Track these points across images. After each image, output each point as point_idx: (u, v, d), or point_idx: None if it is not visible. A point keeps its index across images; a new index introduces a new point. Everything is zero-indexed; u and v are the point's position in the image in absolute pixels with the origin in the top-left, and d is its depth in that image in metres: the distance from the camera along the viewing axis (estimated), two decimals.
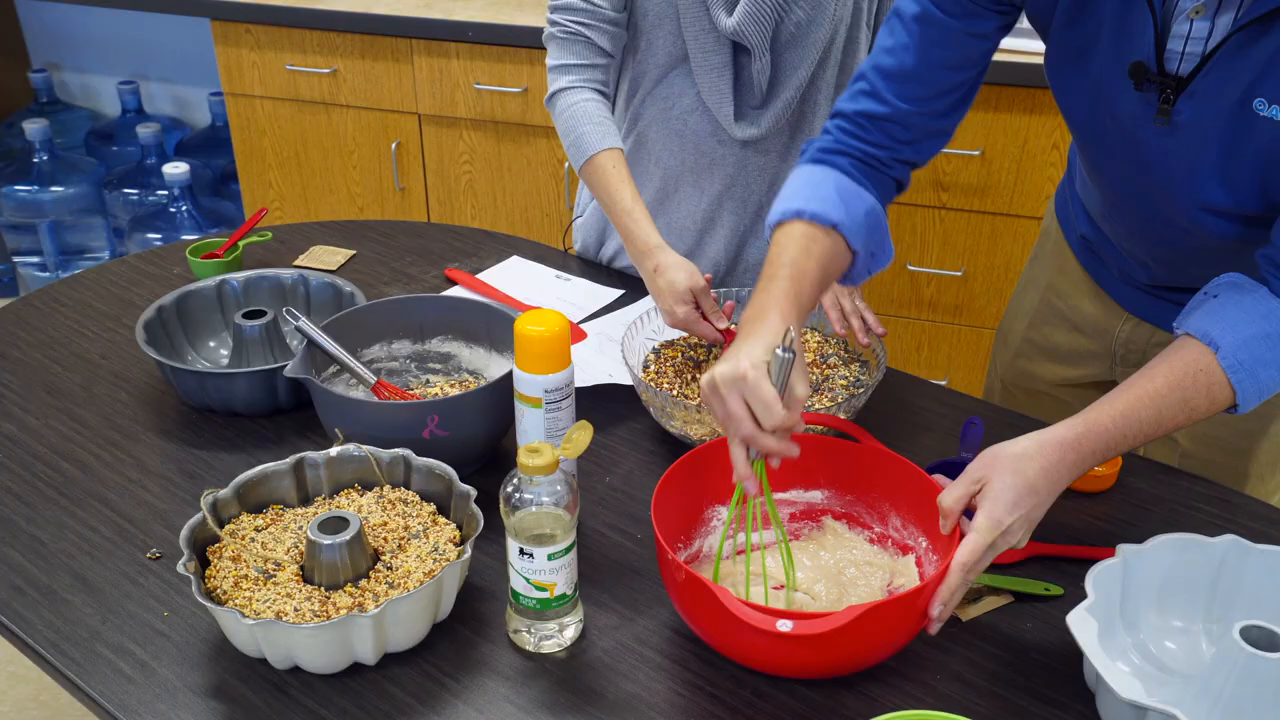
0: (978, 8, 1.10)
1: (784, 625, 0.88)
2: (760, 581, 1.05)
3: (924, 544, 1.06)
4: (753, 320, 1.02)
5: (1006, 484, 0.96)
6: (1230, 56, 0.97)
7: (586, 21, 1.44)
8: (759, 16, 1.38)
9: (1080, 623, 0.92)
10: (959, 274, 2.40)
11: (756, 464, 0.98)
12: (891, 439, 1.10)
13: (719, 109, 1.46)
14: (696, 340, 1.38)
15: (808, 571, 1.08)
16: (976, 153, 2.27)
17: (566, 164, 2.54)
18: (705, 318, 1.32)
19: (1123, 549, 1.00)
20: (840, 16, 1.42)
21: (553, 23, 1.47)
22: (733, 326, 1.32)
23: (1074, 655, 0.97)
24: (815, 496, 1.13)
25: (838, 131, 1.17)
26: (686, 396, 1.28)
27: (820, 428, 1.18)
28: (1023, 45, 2.12)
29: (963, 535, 0.96)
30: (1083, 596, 0.96)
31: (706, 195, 1.55)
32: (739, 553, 1.09)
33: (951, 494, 0.98)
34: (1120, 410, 0.99)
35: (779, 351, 0.95)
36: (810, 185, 1.13)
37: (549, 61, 1.49)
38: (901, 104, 1.14)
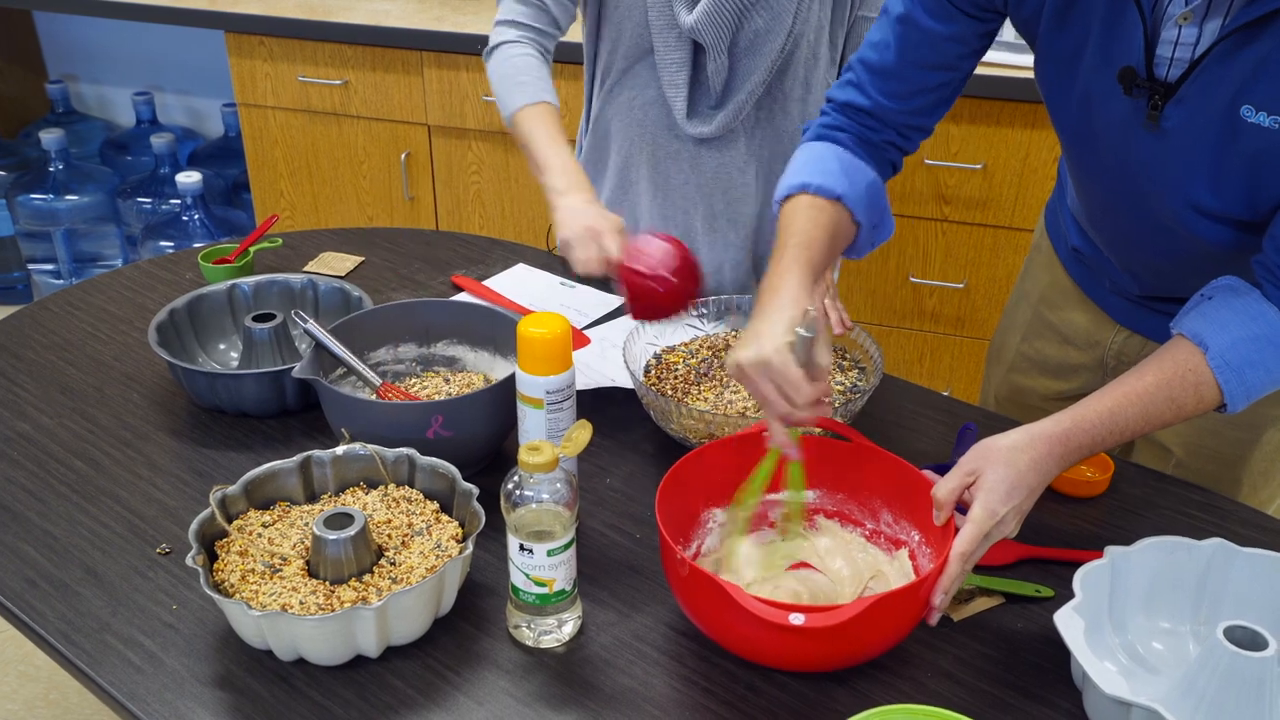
0: (958, 12, 1.13)
1: (796, 619, 0.90)
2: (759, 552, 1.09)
3: (916, 538, 1.08)
4: (770, 294, 1.06)
5: (1000, 475, 0.98)
6: (1218, 63, 0.99)
7: None
8: (716, 18, 1.42)
9: (1067, 621, 0.94)
10: (961, 286, 2.42)
11: (793, 432, 1.04)
12: (887, 444, 1.12)
13: (674, 103, 1.51)
14: (698, 346, 1.40)
15: (825, 550, 1.11)
16: (978, 166, 2.29)
17: None
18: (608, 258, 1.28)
19: (1111, 551, 1.02)
20: (800, 31, 1.46)
21: None
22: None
23: (1063, 655, 0.98)
24: (808, 496, 1.15)
25: (833, 113, 1.23)
26: (687, 401, 1.30)
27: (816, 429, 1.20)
28: (1023, 60, 2.15)
29: (956, 528, 0.98)
30: (1072, 598, 0.98)
31: (661, 190, 1.59)
32: (750, 531, 1.12)
33: (945, 486, 1.01)
34: (1108, 407, 1.02)
35: (801, 332, 1.00)
36: (814, 160, 1.19)
37: (498, 17, 1.50)
38: (881, 99, 1.19)
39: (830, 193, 1.14)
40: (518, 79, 1.45)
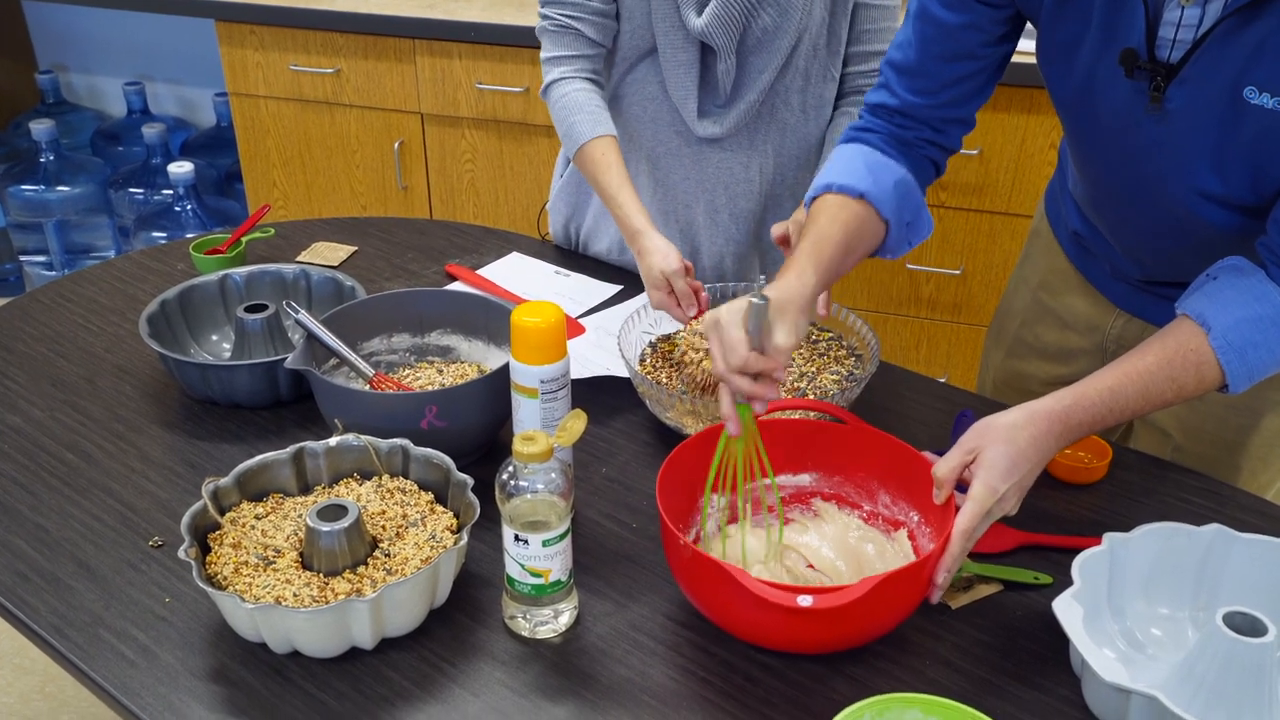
0: (971, 0, 1.12)
1: (804, 600, 0.90)
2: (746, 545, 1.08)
3: (915, 518, 1.08)
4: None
5: (1000, 453, 0.98)
6: (1219, 44, 0.98)
7: (575, 15, 1.47)
8: (726, 20, 1.41)
9: (1066, 608, 0.93)
10: (957, 273, 2.42)
11: (741, 408, 1.03)
12: (883, 429, 1.11)
13: (683, 105, 1.50)
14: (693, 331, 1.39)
15: (826, 552, 1.10)
16: (975, 152, 2.28)
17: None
18: (679, 303, 1.36)
19: (1109, 537, 1.02)
20: (806, 25, 1.45)
21: (544, 16, 1.50)
22: (705, 299, 1.37)
23: (1061, 642, 0.98)
24: (804, 480, 1.15)
25: (866, 116, 1.24)
26: (682, 389, 1.29)
27: (812, 413, 1.19)
28: (1021, 45, 2.14)
29: (956, 506, 0.98)
30: (1071, 585, 0.97)
31: (662, 186, 1.58)
32: (730, 521, 1.11)
33: (946, 464, 1.01)
34: (1109, 385, 1.01)
35: (752, 299, 1.00)
36: (841, 161, 1.20)
37: (542, 55, 1.53)
38: (910, 97, 1.19)
39: (853, 190, 1.15)
40: (571, 118, 1.48)
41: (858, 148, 1.21)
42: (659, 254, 1.37)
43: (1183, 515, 1.16)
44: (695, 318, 1.35)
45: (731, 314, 1.02)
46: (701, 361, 1.27)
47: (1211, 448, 1.34)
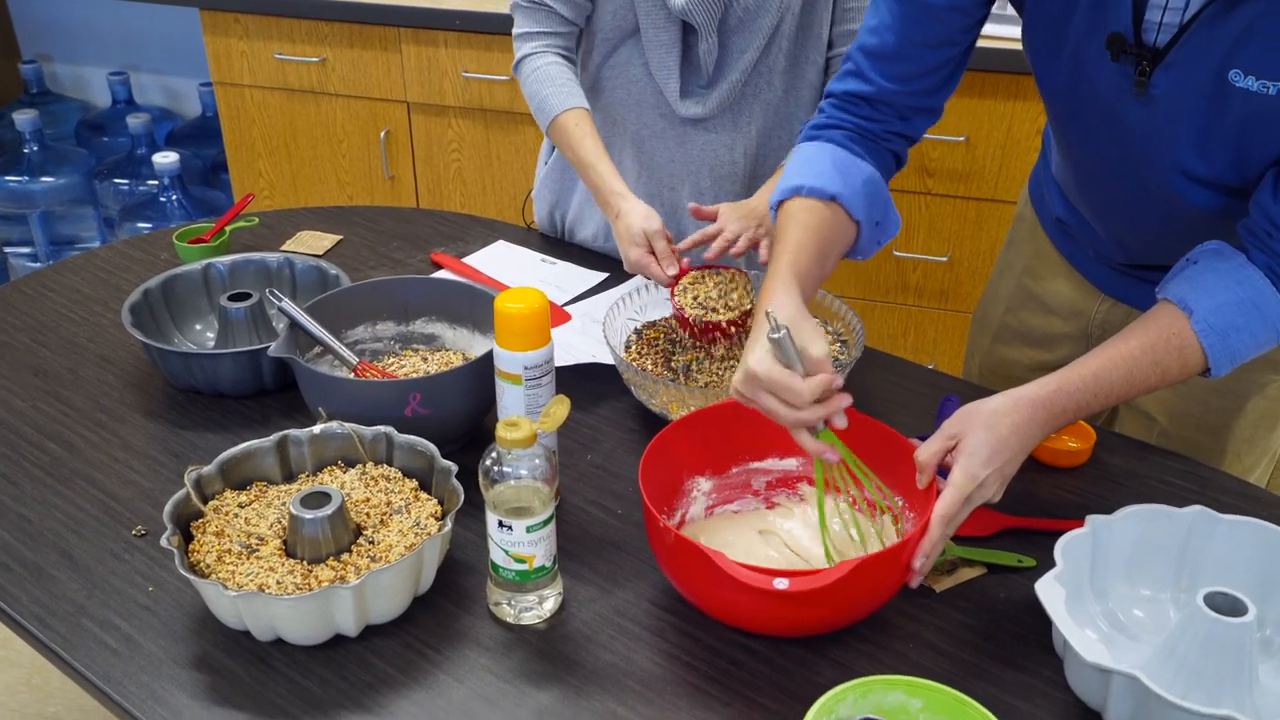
0: None
1: (780, 584, 0.90)
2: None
3: (900, 502, 1.08)
4: (759, 308, 1.04)
5: (981, 440, 0.98)
6: (1206, 27, 0.98)
7: None
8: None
9: (1048, 590, 0.94)
10: (944, 259, 2.42)
11: (823, 434, 1.00)
12: (871, 416, 1.11)
13: (665, 85, 1.50)
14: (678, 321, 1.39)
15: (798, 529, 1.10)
16: (961, 139, 2.28)
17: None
18: (658, 262, 1.35)
19: (1092, 519, 1.02)
20: (788, 4, 1.45)
21: None
22: (685, 263, 1.36)
23: (1045, 624, 0.98)
24: (790, 464, 1.15)
25: (830, 109, 1.20)
26: (668, 376, 1.29)
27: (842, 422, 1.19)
28: (1007, 32, 2.14)
29: (939, 491, 0.98)
30: (1054, 567, 0.97)
31: (647, 169, 1.58)
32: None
33: (928, 449, 1.01)
34: (1093, 371, 1.01)
35: (770, 335, 0.97)
36: (807, 162, 1.16)
37: (514, 31, 1.53)
38: (886, 83, 1.16)
39: (824, 193, 1.12)
40: (543, 91, 1.48)
41: (822, 146, 1.17)
42: (640, 214, 1.37)
43: (1166, 498, 1.17)
44: (677, 279, 1.34)
45: (762, 363, 0.97)
46: (706, 315, 1.28)
47: (1196, 431, 1.34)
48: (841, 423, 1.00)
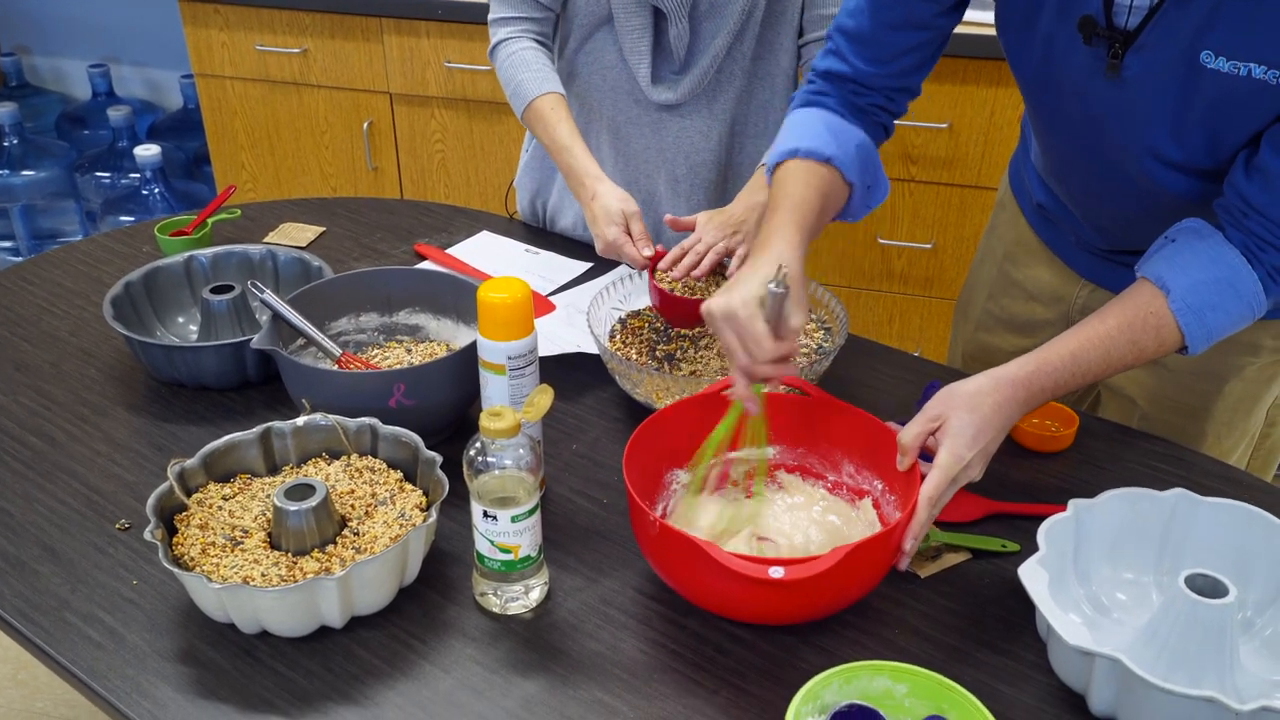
0: None
1: (776, 572, 0.90)
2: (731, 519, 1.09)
3: (879, 486, 1.09)
4: (757, 250, 1.07)
5: (964, 420, 0.99)
6: (1176, 8, 0.99)
7: None
8: None
9: (1032, 574, 0.94)
10: (929, 247, 2.42)
11: (756, 386, 1.03)
12: (854, 403, 1.11)
13: (637, 70, 1.50)
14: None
15: (796, 527, 1.10)
16: (944, 125, 2.29)
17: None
18: (634, 243, 1.36)
19: (1075, 503, 1.02)
20: None
21: None
22: (659, 248, 1.37)
23: (1028, 609, 0.99)
24: (768, 453, 1.15)
25: (818, 81, 1.22)
26: (652, 365, 1.29)
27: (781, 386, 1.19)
28: (988, 18, 2.14)
29: (921, 474, 0.98)
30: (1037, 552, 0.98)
31: (623, 156, 1.58)
32: (715, 489, 1.12)
33: (910, 431, 1.01)
34: (1071, 350, 1.02)
35: (772, 287, 0.99)
36: (802, 125, 1.18)
37: (490, 16, 1.53)
38: (861, 65, 1.19)
39: (820, 155, 1.14)
40: (519, 76, 1.48)
41: (815, 112, 1.20)
42: (616, 196, 1.38)
43: (1148, 481, 1.17)
44: (653, 263, 1.35)
45: (747, 306, 1.00)
46: (694, 294, 1.30)
47: (1177, 415, 1.35)
48: (777, 387, 1.05)
